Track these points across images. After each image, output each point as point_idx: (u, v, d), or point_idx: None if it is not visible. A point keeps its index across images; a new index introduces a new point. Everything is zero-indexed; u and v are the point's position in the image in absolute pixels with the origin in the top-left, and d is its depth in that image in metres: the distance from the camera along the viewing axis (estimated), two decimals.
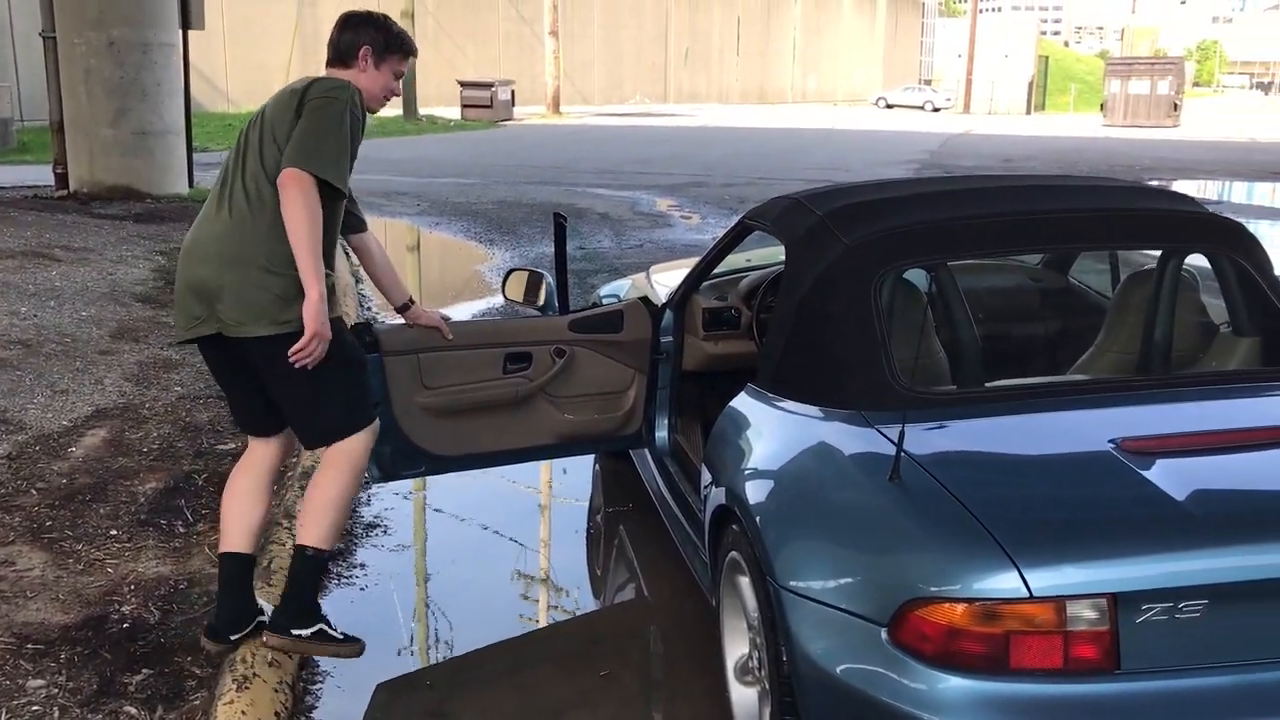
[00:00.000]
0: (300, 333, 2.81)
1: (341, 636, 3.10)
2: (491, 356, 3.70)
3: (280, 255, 2.83)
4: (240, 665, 2.97)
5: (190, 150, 12.89)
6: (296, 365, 2.83)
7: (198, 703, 2.91)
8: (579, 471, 4.92)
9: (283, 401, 3.01)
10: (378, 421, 3.14)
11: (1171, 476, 2.32)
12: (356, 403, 3.06)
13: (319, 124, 2.83)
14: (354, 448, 3.02)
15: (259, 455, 3.16)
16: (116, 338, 6.46)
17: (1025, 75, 52.60)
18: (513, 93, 34.70)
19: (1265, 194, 16.96)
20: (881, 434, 2.59)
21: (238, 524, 3.08)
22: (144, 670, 3.06)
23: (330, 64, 3.08)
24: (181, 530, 3.96)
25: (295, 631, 3.02)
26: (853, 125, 35.78)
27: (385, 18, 3.14)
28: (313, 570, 3.06)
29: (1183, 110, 39.35)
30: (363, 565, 4.00)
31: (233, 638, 3.06)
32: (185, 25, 12.42)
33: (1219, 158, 23.62)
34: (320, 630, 3.05)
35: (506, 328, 3.83)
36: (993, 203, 3.23)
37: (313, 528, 3.02)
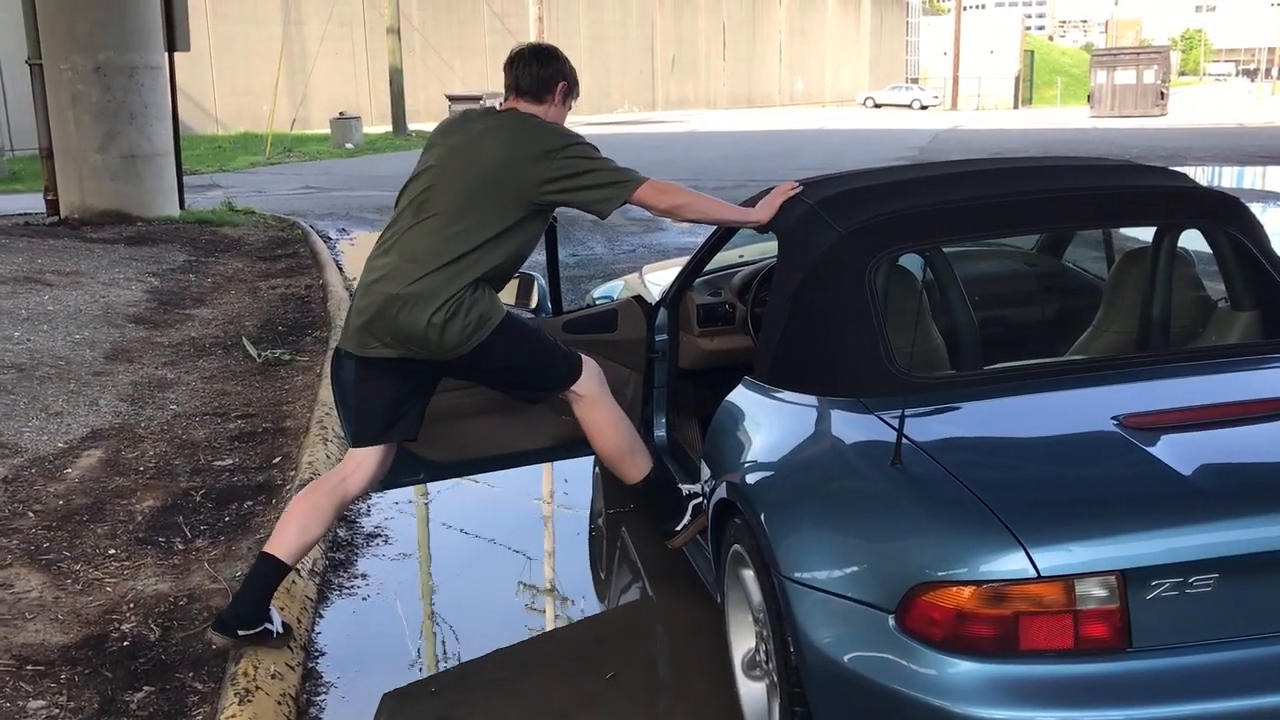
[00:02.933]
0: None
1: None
2: None
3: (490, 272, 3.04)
4: (242, 678, 2.94)
5: (180, 173, 12.87)
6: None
7: (200, 718, 2.88)
8: (579, 474, 4.89)
9: (514, 378, 3.20)
10: (594, 364, 3.26)
11: (1176, 451, 2.30)
12: (560, 352, 3.23)
13: (593, 165, 3.05)
14: (588, 389, 3.19)
15: (352, 470, 3.17)
16: (111, 359, 6.43)
17: (1011, 70, 52.72)
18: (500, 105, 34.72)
19: (1256, 177, 16.97)
20: (881, 420, 2.57)
21: (296, 535, 3.09)
22: (145, 688, 3.02)
23: (521, 95, 3.18)
24: (180, 547, 3.93)
25: (679, 528, 3.31)
26: (841, 125, 35.81)
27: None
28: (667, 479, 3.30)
29: (1169, 99, 39.39)
30: (365, 575, 3.97)
31: (240, 633, 3.03)
32: (171, 47, 12.41)
33: (1208, 144, 23.66)
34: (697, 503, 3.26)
35: None
36: (985, 185, 3.21)
37: (643, 466, 3.26)
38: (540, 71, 3.17)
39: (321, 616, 3.65)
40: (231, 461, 4.78)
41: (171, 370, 6.27)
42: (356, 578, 3.95)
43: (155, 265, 9.55)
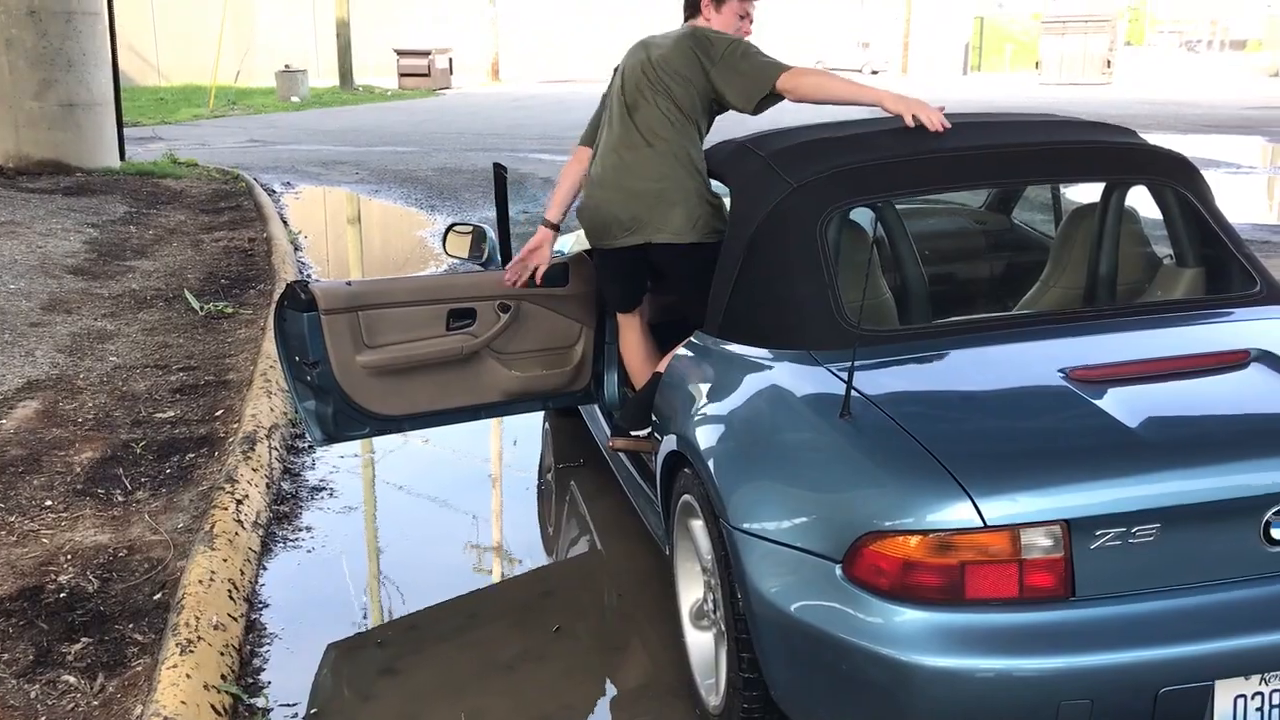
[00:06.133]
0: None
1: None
2: (434, 313, 3.63)
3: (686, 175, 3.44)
4: (184, 629, 2.89)
5: (120, 123, 12.53)
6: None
7: (140, 669, 2.83)
8: (528, 429, 4.86)
9: (693, 289, 3.35)
10: None
11: (1121, 404, 2.32)
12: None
13: (750, 58, 3.46)
14: None
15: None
16: (48, 310, 6.28)
17: (962, 36, 52.91)
18: (451, 60, 34.16)
19: (1199, 146, 17.20)
20: (831, 372, 2.57)
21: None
22: (83, 639, 2.97)
23: (688, 17, 3.70)
24: (120, 499, 3.86)
25: (635, 433, 3.52)
26: None
27: None
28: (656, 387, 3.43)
29: (1116, 67, 39.73)
30: (310, 528, 3.93)
31: (634, 433, 3.49)
32: None
33: (1153, 112, 23.92)
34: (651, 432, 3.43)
35: (449, 283, 3.76)
36: (936, 139, 3.20)
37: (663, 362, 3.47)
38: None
39: (265, 569, 3.61)
40: (173, 414, 4.70)
41: (111, 322, 6.13)
42: (301, 530, 3.91)
43: (95, 216, 9.32)
